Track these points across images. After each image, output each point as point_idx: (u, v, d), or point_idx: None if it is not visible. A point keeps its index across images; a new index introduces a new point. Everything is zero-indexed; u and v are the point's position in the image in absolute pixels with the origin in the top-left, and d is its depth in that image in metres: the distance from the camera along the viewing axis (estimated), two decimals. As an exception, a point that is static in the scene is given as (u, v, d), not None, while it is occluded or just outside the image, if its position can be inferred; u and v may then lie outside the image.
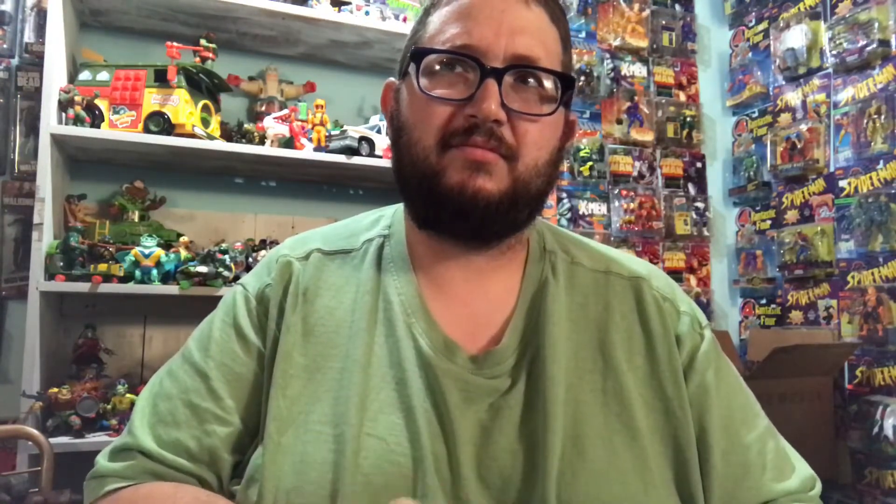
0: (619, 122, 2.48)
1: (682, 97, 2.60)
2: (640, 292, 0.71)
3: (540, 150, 0.64)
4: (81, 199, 1.78)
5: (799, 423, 1.89)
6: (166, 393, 0.68)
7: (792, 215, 2.33)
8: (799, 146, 2.27)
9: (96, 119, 1.64)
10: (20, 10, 1.82)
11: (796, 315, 2.30)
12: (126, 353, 1.84)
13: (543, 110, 0.64)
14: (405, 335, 0.65)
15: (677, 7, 2.62)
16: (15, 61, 1.81)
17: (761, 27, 2.51)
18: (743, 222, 2.58)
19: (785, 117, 2.37)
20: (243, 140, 1.82)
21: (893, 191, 1.98)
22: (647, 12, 2.54)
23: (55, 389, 1.52)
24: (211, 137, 1.72)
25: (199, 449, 0.64)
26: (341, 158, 1.82)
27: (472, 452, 0.60)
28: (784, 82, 2.38)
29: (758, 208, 2.50)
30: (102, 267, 1.58)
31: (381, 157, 1.87)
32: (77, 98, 1.61)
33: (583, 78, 2.42)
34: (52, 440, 1.36)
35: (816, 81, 2.26)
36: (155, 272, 1.61)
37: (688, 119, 2.57)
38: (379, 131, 1.91)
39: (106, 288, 1.57)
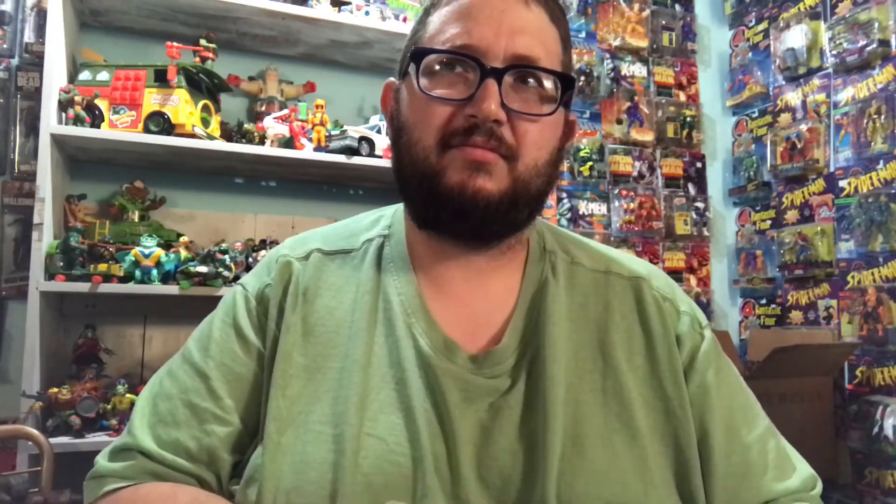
0: (619, 122, 2.48)
1: (682, 97, 2.60)
2: (640, 292, 0.71)
3: (540, 150, 0.64)
4: (81, 199, 1.78)
5: (799, 423, 1.89)
6: (166, 393, 0.68)
7: (792, 215, 2.33)
8: (799, 146, 2.27)
9: (96, 119, 1.64)
10: (20, 10, 1.82)
11: (796, 315, 2.30)
12: (126, 353, 1.84)
13: (543, 110, 0.64)
14: (405, 335, 0.65)
15: (677, 7, 2.62)
16: (15, 61, 1.81)
17: (761, 27, 2.51)
18: (743, 222, 2.58)
19: (785, 117, 2.37)
20: (243, 140, 1.82)
21: (893, 191, 1.98)
22: (647, 12, 2.54)
23: (55, 389, 1.52)
24: (211, 137, 1.72)
25: (198, 449, 0.64)
26: (341, 158, 1.82)
27: (471, 452, 0.60)
28: (784, 82, 2.38)
29: (758, 208, 2.50)
30: (102, 267, 1.58)
31: (381, 157, 1.87)
32: (77, 98, 1.61)
33: (583, 78, 2.42)
34: (52, 440, 1.36)
35: (816, 81, 2.26)
36: (155, 272, 1.61)
37: (688, 119, 2.57)
38: (379, 131, 1.91)
39: (106, 288, 1.57)
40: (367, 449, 0.59)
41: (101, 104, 1.65)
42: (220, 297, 0.75)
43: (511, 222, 0.65)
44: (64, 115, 1.62)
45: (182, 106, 1.66)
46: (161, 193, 1.87)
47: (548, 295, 0.68)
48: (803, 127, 2.25)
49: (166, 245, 1.68)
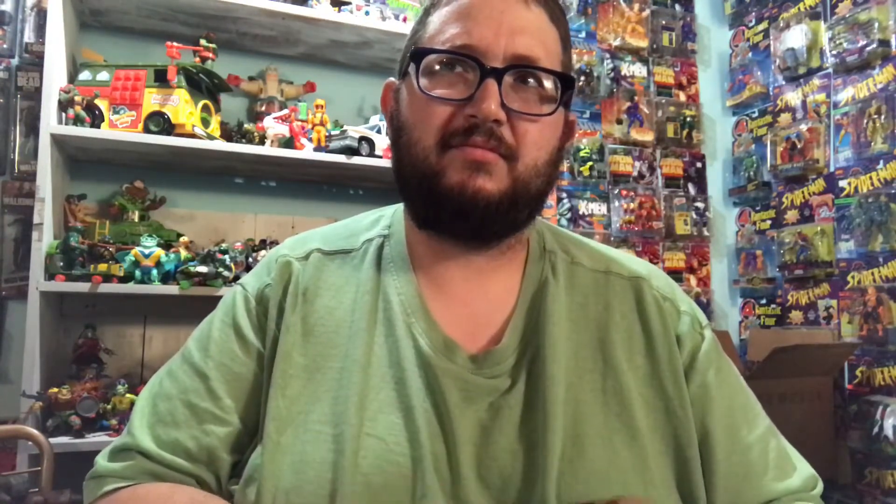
0: (619, 122, 2.48)
1: (682, 97, 2.60)
2: (641, 292, 0.71)
3: (540, 150, 0.64)
4: (81, 199, 1.78)
5: (799, 423, 1.89)
6: (166, 393, 0.68)
7: (792, 215, 2.33)
8: (799, 146, 2.27)
9: (96, 119, 1.64)
10: (20, 10, 1.82)
11: (796, 315, 2.30)
12: (126, 353, 1.84)
13: (543, 110, 0.64)
14: (405, 335, 0.65)
15: (677, 7, 2.62)
16: (15, 61, 1.81)
17: (761, 27, 2.51)
18: (743, 222, 2.58)
19: (785, 117, 2.37)
20: (243, 140, 1.82)
21: (893, 191, 1.98)
22: (647, 12, 2.54)
23: (55, 389, 1.52)
24: (211, 137, 1.72)
25: (197, 449, 0.64)
26: (341, 158, 1.82)
27: (471, 452, 0.60)
28: (784, 82, 2.38)
29: (758, 208, 2.50)
30: (102, 267, 1.58)
31: (381, 157, 1.87)
32: (77, 98, 1.61)
33: (583, 78, 2.42)
34: (52, 440, 1.36)
35: (816, 81, 2.26)
36: (155, 272, 1.61)
37: (688, 119, 2.57)
38: (379, 131, 1.91)
39: (106, 288, 1.57)
40: (366, 449, 0.59)
41: (101, 104, 1.65)
42: (220, 297, 0.75)
43: (511, 222, 0.65)
44: (64, 115, 1.62)
45: (182, 106, 1.66)
46: (161, 193, 1.87)
47: (548, 295, 0.68)
48: (803, 127, 2.25)
49: (166, 245, 1.68)
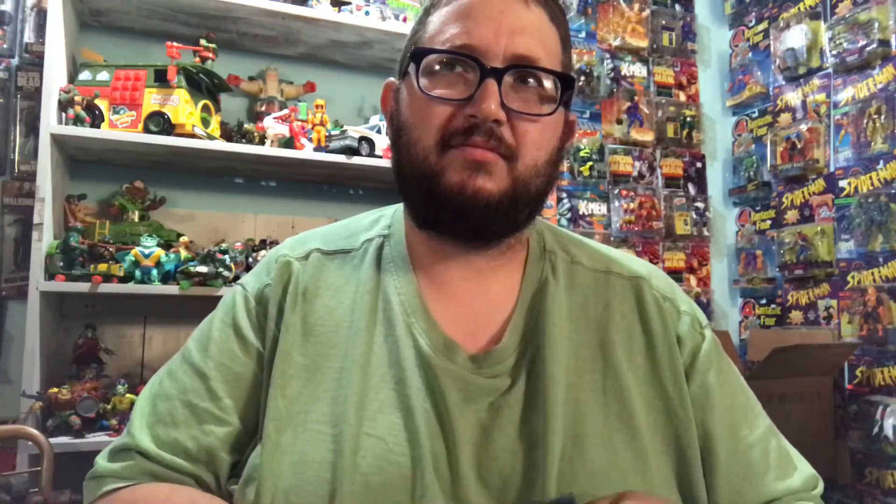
0: (619, 122, 2.48)
1: (682, 97, 2.60)
2: (641, 292, 0.71)
3: (540, 150, 0.64)
4: (81, 199, 1.78)
5: (799, 423, 1.89)
6: (165, 393, 0.68)
7: (792, 215, 2.33)
8: (799, 146, 2.27)
9: (96, 119, 1.64)
10: (20, 10, 1.82)
11: (796, 315, 2.30)
12: (126, 353, 1.84)
13: (543, 110, 0.64)
14: (405, 335, 0.65)
15: (677, 7, 2.62)
16: (15, 61, 1.81)
17: (761, 27, 2.51)
18: (743, 222, 2.58)
19: (785, 117, 2.37)
20: (243, 140, 1.82)
21: (893, 191, 1.98)
22: (647, 12, 2.54)
23: (55, 389, 1.52)
24: (211, 137, 1.72)
25: (197, 449, 0.64)
26: (341, 158, 1.82)
27: (471, 452, 0.60)
28: (784, 82, 2.38)
29: (758, 208, 2.50)
30: (102, 267, 1.58)
31: (381, 157, 1.87)
32: (77, 98, 1.61)
33: (583, 78, 2.42)
34: (52, 440, 1.36)
35: (816, 81, 2.26)
36: (155, 272, 1.61)
37: (688, 119, 2.57)
38: (379, 131, 1.91)
39: (106, 288, 1.57)
40: (366, 449, 0.59)
41: (101, 104, 1.65)
42: (220, 297, 0.75)
43: (511, 222, 0.65)
44: (64, 115, 1.62)
45: (182, 106, 1.66)
46: (161, 193, 1.87)
47: (548, 295, 0.68)
48: (803, 127, 2.25)
49: (166, 245, 1.68)
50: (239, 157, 1.78)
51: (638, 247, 2.43)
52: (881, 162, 2.02)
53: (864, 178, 2.07)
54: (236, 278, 1.65)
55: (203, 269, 1.63)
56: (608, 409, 0.64)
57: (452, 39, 0.63)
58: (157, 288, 1.60)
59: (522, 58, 0.63)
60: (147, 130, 1.65)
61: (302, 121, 1.88)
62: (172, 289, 1.61)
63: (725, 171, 2.66)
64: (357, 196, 2.17)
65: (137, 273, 1.60)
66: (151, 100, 1.67)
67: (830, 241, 2.17)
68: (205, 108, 1.75)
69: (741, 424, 0.70)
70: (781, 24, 2.37)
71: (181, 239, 1.73)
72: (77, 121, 1.60)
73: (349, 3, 1.92)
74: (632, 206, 2.44)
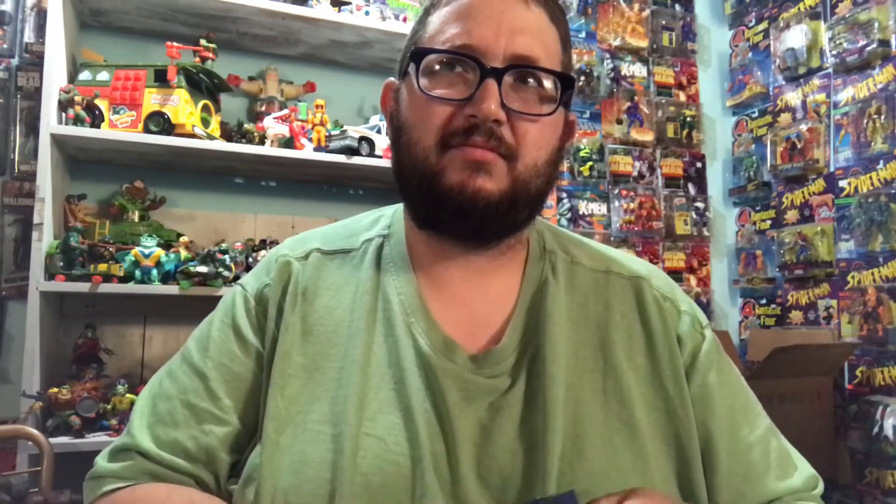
0: (619, 122, 2.48)
1: (682, 97, 2.60)
2: (641, 292, 0.71)
3: (539, 150, 0.64)
4: (81, 199, 1.78)
5: (799, 423, 1.89)
6: (165, 393, 0.68)
7: (792, 215, 2.33)
8: (799, 146, 2.27)
9: (96, 119, 1.64)
10: (20, 10, 1.82)
11: (796, 315, 2.30)
12: (126, 353, 1.84)
13: (543, 110, 0.64)
14: (404, 335, 0.65)
15: (677, 7, 2.62)
16: (15, 61, 1.81)
17: (761, 27, 2.51)
18: (743, 222, 2.58)
19: (785, 117, 2.37)
20: (243, 140, 1.82)
21: (893, 191, 1.98)
22: (647, 12, 2.54)
23: (55, 389, 1.52)
24: (211, 137, 1.72)
25: (196, 449, 0.64)
26: (341, 158, 1.82)
27: (471, 452, 0.60)
28: (784, 82, 2.38)
29: (758, 208, 2.50)
30: (102, 267, 1.58)
31: (381, 157, 1.87)
32: (77, 98, 1.61)
33: (583, 78, 2.42)
34: (52, 440, 1.36)
35: (816, 81, 2.26)
36: (155, 272, 1.61)
37: (688, 119, 2.57)
38: (379, 131, 1.91)
39: (106, 288, 1.57)
40: (365, 449, 0.59)
41: (101, 104, 1.65)
42: (220, 297, 0.75)
43: (511, 222, 0.65)
44: (64, 115, 1.62)
45: (182, 106, 1.66)
46: (161, 193, 1.87)
47: (548, 294, 0.68)
48: (803, 127, 2.25)
49: (166, 245, 1.68)
50: (239, 157, 1.78)
51: (638, 247, 2.43)
52: (881, 162, 2.02)
53: (864, 178, 2.07)
54: (236, 278, 1.65)
55: (203, 269, 1.63)
56: (608, 409, 0.64)
57: (452, 39, 0.63)
58: (157, 288, 1.60)
59: (522, 58, 0.63)
60: (147, 130, 1.65)
61: (302, 121, 1.88)
62: (172, 289, 1.61)
63: (725, 171, 2.66)
64: (357, 196, 2.17)
65: (137, 273, 1.60)
66: (151, 100, 1.67)
67: (830, 241, 2.17)
68: (205, 108, 1.75)
69: (741, 424, 0.69)
70: (781, 24, 2.37)
71: (181, 239, 1.73)
72: (77, 121, 1.60)
73: (349, 3, 1.92)
74: (632, 206, 2.44)
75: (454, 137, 0.62)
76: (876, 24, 2.02)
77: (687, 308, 0.73)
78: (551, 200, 2.33)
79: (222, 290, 1.64)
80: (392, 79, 0.73)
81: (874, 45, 2.02)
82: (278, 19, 1.84)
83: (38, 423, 1.50)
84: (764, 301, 2.45)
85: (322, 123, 1.88)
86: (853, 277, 2.09)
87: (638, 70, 2.53)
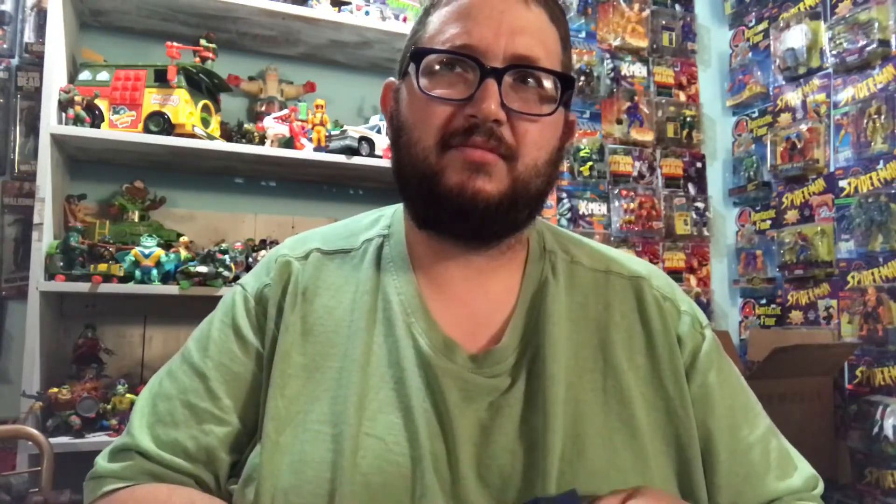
0: (619, 122, 2.48)
1: (682, 97, 2.60)
2: (641, 292, 0.71)
3: (539, 150, 0.64)
4: (81, 199, 1.78)
5: (799, 423, 1.89)
6: (165, 393, 0.68)
7: (792, 215, 2.33)
8: (799, 146, 2.27)
9: (96, 119, 1.64)
10: (20, 10, 1.82)
11: (796, 315, 2.30)
12: (126, 353, 1.84)
13: (543, 110, 0.64)
14: (404, 335, 0.65)
15: (677, 7, 2.62)
16: (15, 61, 1.81)
17: (761, 27, 2.51)
18: (743, 222, 2.58)
19: (785, 117, 2.37)
20: (243, 140, 1.82)
21: (893, 191, 1.98)
22: (647, 12, 2.54)
23: (55, 389, 1.52)
24: (211, 137, 1.72)
25: (196, 449, 0.64)
26: (341, 158, 1.82)
27: (471, 452, 0.60)
28: (784, 82, 2.38)
29: (758, 208, 2.50)
30: (102, 267, 1.58)
31: (381, 157, 1.87)
32: (77, 98, 1.61)
33: (583, 78, 2.42)
34: (52, 440, 1.36)
35: (816, 81, 2.26)
36: (155, 272, 1.61)
37: (688, 119, 2.57)
38: (379, 131, 1.91)
39: (106, 288, 1.57)
40: (365, 448, 0.59)
41: (101, 104, 1.65)
42: (220, 297, 0.75)
43: (511, 222, 0.65)
44: (64, 115, 1.62)
45: (182, 106, 1.66)
46: (161, 193, 1.87)
47: (548, 294, 0.68)
48: (803, 127, 2.25)
49: (166, 245, 1.68)
50: (239, 157, 1.78)
51: (638, 247, 2.43)
52: (881, 162, 2.02)
53: (864, 178, 2.07)
54: (236, 278, 1.65)
55: (203, 269, 1.63)
56: (608, 409, 0.64)
57: (452, 39, 0.63)
58: (157, 288, 1.60)
59: (522, 58, 0.63)
60: (147, 130, 1.65)
61: (302, 121, 1.88)
62: (172, 289, 1.61)
63: (725, 171, 2.66)
64: (357, 196, 2.17)
65: (137, 273, 1.60)
66: (151, 100, 1.67)
67: (830, 241, 2.17)
68: (205, 108, 1.75)
69: (741, 424, 0.69)
70: (781, 24, 2.37)
71: (181, 239, 1.73)
72: (77, 121, 1.60)
73: (349, 3, 1.92)
74: (632, 206, 2.44)
75: (454, 137, 0.62)
76: (876, 24, 2.02)
77: (687, 308, 0.73)
78: (551, 200, 2.33)
79: (222, 290, 1.64)
80: (392, 79, 0.73)
81: (874, 45, 2.02)
82: (278, 19, 1.84)
83: (38, 423, 1.50)
84: (764, 301, 2.45)
85: (322, 123, 1.88)
86: (853, 277, 2.09)
87: (638, 70, 2.53)
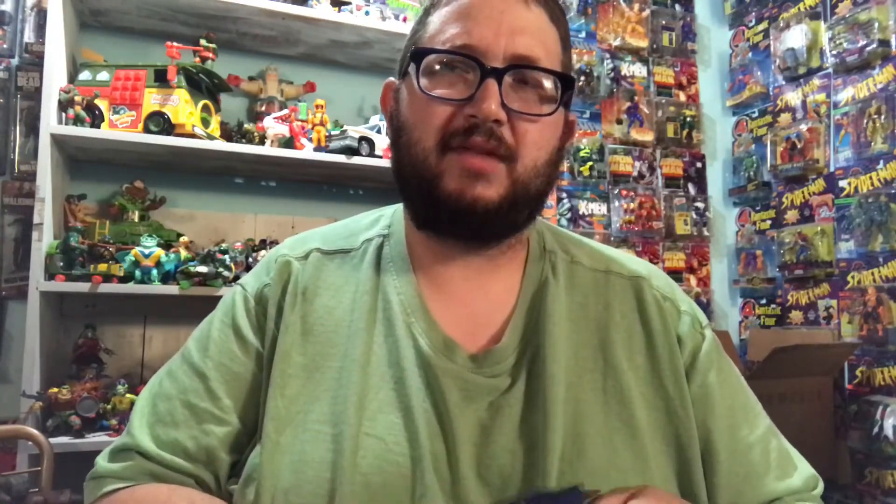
0: (619, 122, 2.48)
1: (682, 97, 2.60)
2: (641, 292, 0.71)
3: (539, 151, 0.64)
4: (81, 199, 1.78)
5: (799, 423, 1.89)
6: (165, 393, 0.68)
7: (792, 215, 2.33)
8: (799, 146, 2.27)
9: (96, 119, 1.64)
10: (20, 10, 1.82)
11: (796, 315, 2.30)
12: (126, 353, 1.84)
13: (543, 110, 0.64)
14: (404, 335, 0.65)
15: (677, 7, 2.62)
16: (15, 61, 1.81)
17: (761, 27, 2.51)
18: (743, 222, 2.58)
19: (785, 117, 2.37)
20: (243, 140, 1.82)
21: (893, 191, 1.98)
22: (647, 12, 2.54)
23: (55, 389, 1.52)
24: (211, 137, 1.72)
25: (196, 449, 0.64)
26: (341, 158, 1.82)
27: (471, 451, 0.60)
28: (784, 82, 2.38)
29: (758, 208, 2.50)
30: (102, 267, 1.58)
31: (381, 157, 1.87)
32: (77, 98, 1.61)
33: (583, 78, 2.42)
34: (52, 440, 1.36)
35: (816, 81, 2.26)
36: (155, 272, 1.61)
37: (688, 119, 2.57)
38: (379, 131, 1.91)
39: (106, 288, 1.57)
40: (365, 448, 0.59)
41: (101, 104, 1.65)
42: (220, 297, 0.75)
43: (511, 224, 0.65)
44: (64, 115, 1.62)
45: (182, 106, 1.66)
46: (161, 193, 1.87)
47: (548, 294, 0.68)
48: (803, 127, 2.25)
49: (166, 245, 1.68)
50: (239, 157, 1.78)
51: (638, 247, 2.43)
52: (881, 162, 2.02)
53: (864, 178, 2.07)
54: (236, 278, 1.65)
55: (203, 269, 1.63)
56: (608, 409, 0.64)
57: (453, 39, 0.63)
58: (157, 288, 1.60)
59: (522, 58, 0.63)
60: (147, 130, 1.65)
61: (302, 121, 1.88)
62: (172, 289, 1.61)
63: (725, 171, 2.66)
64: (357, 196, 2.17)
65: (137, 273, 1.60)
66: (151, 100, 1.67)
67: (830, 241, 2.17)
68: (205, 108, 1.75)
69: (741, 424, 0.70)
70: (781, 24, 2.37)
71: (181, 239, 1.73)
72: (77, 121, 1.60)
73: (349, 3, 1.92)
74: (632, 206, 2.44)
75: (454, 138, 0.62)
76: (876, 24, 2.02)
77: (687, 308, 0.73)
78: (551, 200, 2.33)
79: (222, 290, 1.64)
80: (392, 78, 0.73)
81: (874, 45, 2.02)
82: (278, 19, 1.84)
83: (38, 423, 1.50)
84: (764, 301, 2.45)
85: (322, 123, 1.88)
86: (853, 277, 2.09)
87: (638, 70, 2.53)
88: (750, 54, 2.55)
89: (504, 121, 0.61)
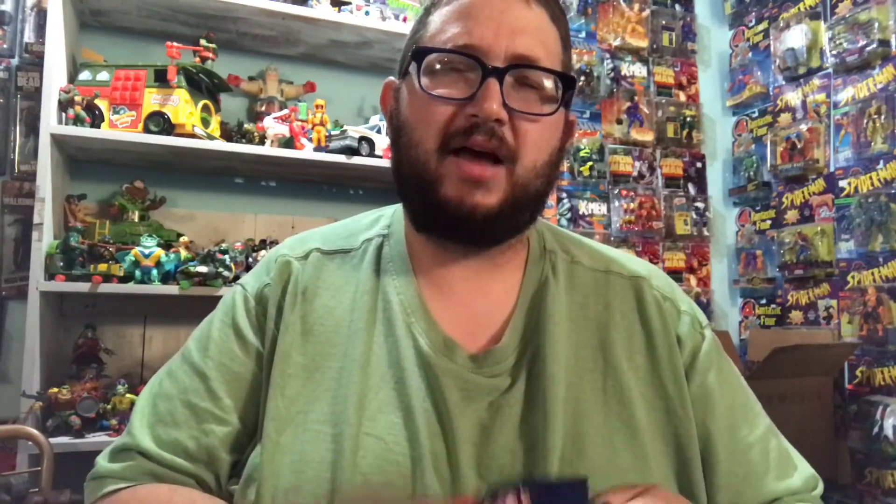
0: (619, 122, 2.48)
1: (682, 97, 2.60)
2: (641, 292, 0.71)
3: (539, 151, 0.64)
4: (81, 199, 1.78)
5: (799, 423, 1.88)
6: (166, 393, 0.68)
7: (792, 215, 2.33)
8: (799, 146, 2.27)
9: (96, 119, 1.64)
10: (20, 10, 1.82)
11: (796, 315, 2.30)
12: (126, 353, 1.84)
13: (544, 110, 0.64)
14: (404, 335, 0.65)
15: (677, 7, 2.62)
16: (15, 61, 1.81)
17: (761, 27, 2.51)
18: (743, 222, 2.58)
19: (785, 117, 2.37)
20: (243, 140, 1.82)
21: (893, 191, 1.98)
22: (647, 12, 2.54)
23: (55, 389, 1.52)
24: (211, 137, 1.72)
25: (197, 449, 0.64)
26: (341, 158, 1.82)
27: (471, 451, 0.60)
28: (784, 82, 2.38)
29: (758, 208, 2.50)
30: (102, 267, 1.58)
31: (381, 157, 1.87)
32: (77, 98, 1.61)
33: (583, 78, 2.42)
34: (52, 440, 1.36)
35: (816, 81, 2.26)
36: (155, 272, 1.61)
37: (688, 119, 2.57)
38: (379, 131, 1.91)
39: (106, 288, 1.57)
40: (365, 448, 0.59)
41: (101, 104, 1.65)
42: (220, 297, 0.75)
43: (511, 226, 0.65)
44: (64, 115, 1.62)
45: (182, 106, 1.66)
46: (161, 193, 1.87)
47: (548, 294, 0.68)
48: (803, 127, 2.25)
49: (166, 245, 1.68)
50: (239, 157, 1.78)
51: (638, 247, 2.43)
52: (881, 162, 2.02)
53: (864, 178, 2.07)
54: (236, 278, 1.65)
55: (203, 269, 1.63)
56: (608, 409, 0.64)
57: (453, 39, 0.63)
58: (157, 288, 1.60)
59: (523, 58, 0.63)
60: (147, 130, 1.65)
61: (302, 121, 1.88)
62: (172, 289, 1.61)
63: (725, 171, 2.66)
64: (357, 196, 2.17)
65: (137, 273, 1.60)
66: (151, 100, 1.67)
67: (830, 241, 2.17)
68: (205, 108, 1.75)
69: (741, 424, 0.70)
70: (781, 24, 2.37)
71: (181, 239, 1.73)
72: (77, 121, 1.60)
73: (349, 3, 1.92)
74: (632, 206, 2.44)
75: (455, 138, 0.62)
76: (876, 24, 2.02)
77: (687, 308, 0.73)
78: (551, 200, 2.33)
79: (222, 290, 1.64)
80: (392, 78, 0.73)
81: (874, 45, 2.02)
82: (278, 19, 1.84)
83: (38, 423, 1.50)
84: (764, 301, 2.45)
85: (322, 123, 1.88)
86: (853, 277, 2.09)
87: (638, 70, 2.53)
88: (750, 54, 2.55)
89: (505, 120, 0.61)
